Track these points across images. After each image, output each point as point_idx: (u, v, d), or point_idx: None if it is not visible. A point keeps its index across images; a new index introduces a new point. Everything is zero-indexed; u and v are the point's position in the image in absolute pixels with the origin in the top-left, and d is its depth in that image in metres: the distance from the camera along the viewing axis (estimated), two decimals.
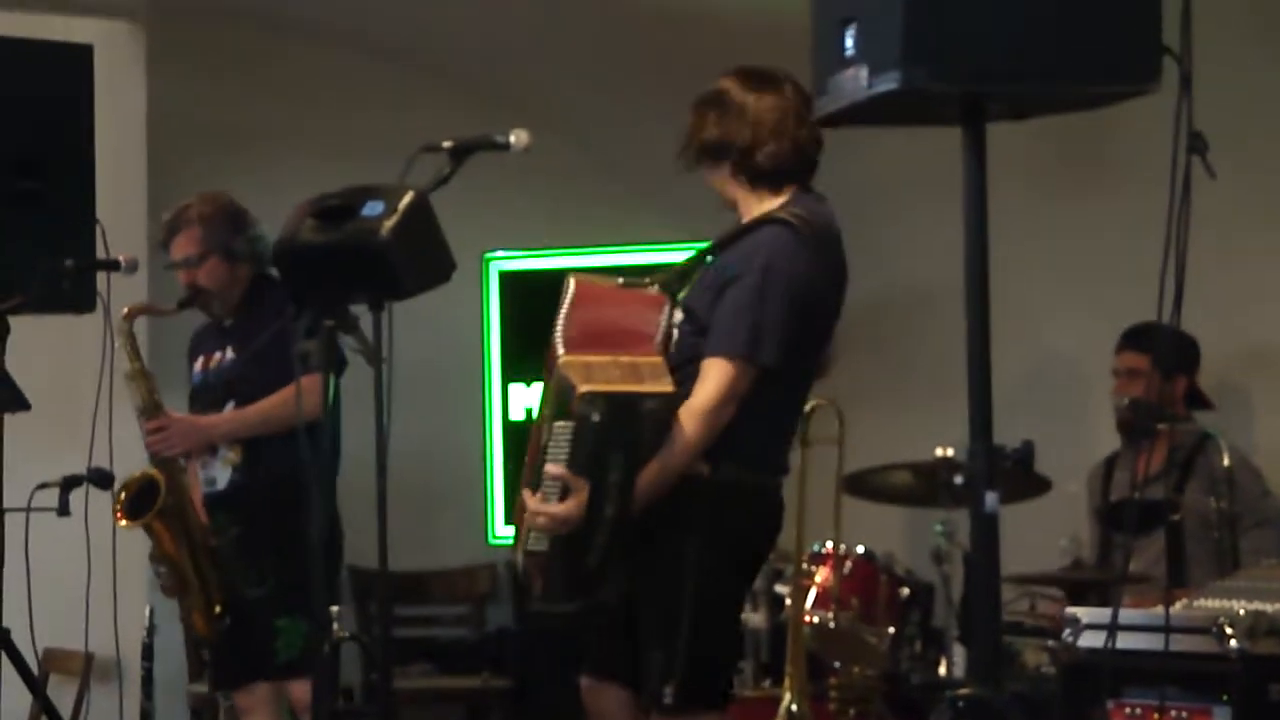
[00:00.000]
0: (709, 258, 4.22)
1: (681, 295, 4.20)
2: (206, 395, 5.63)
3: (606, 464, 3.90)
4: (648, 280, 4.24)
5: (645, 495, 3.97)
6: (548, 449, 3.93)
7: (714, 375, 4.05)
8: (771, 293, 4.06)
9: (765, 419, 4.14)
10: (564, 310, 4.06)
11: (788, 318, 4.07)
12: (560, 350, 3.95)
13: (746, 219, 4.23)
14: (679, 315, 4.16)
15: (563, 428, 3.90)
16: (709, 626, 4.08)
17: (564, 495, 3.90)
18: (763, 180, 4.23)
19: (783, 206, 4.18)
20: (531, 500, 3.95)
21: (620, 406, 3.88)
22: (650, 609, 4.09)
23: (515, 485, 4.19)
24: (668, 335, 4.12)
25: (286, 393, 5.24)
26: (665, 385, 3.95)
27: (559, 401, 3.92)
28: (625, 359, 3.96)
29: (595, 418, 3.85)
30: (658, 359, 4.01)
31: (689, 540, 4.04)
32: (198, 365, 5.71)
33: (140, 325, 5.69)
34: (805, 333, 4.15)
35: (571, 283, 4.12)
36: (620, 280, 4.23)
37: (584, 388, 3.84)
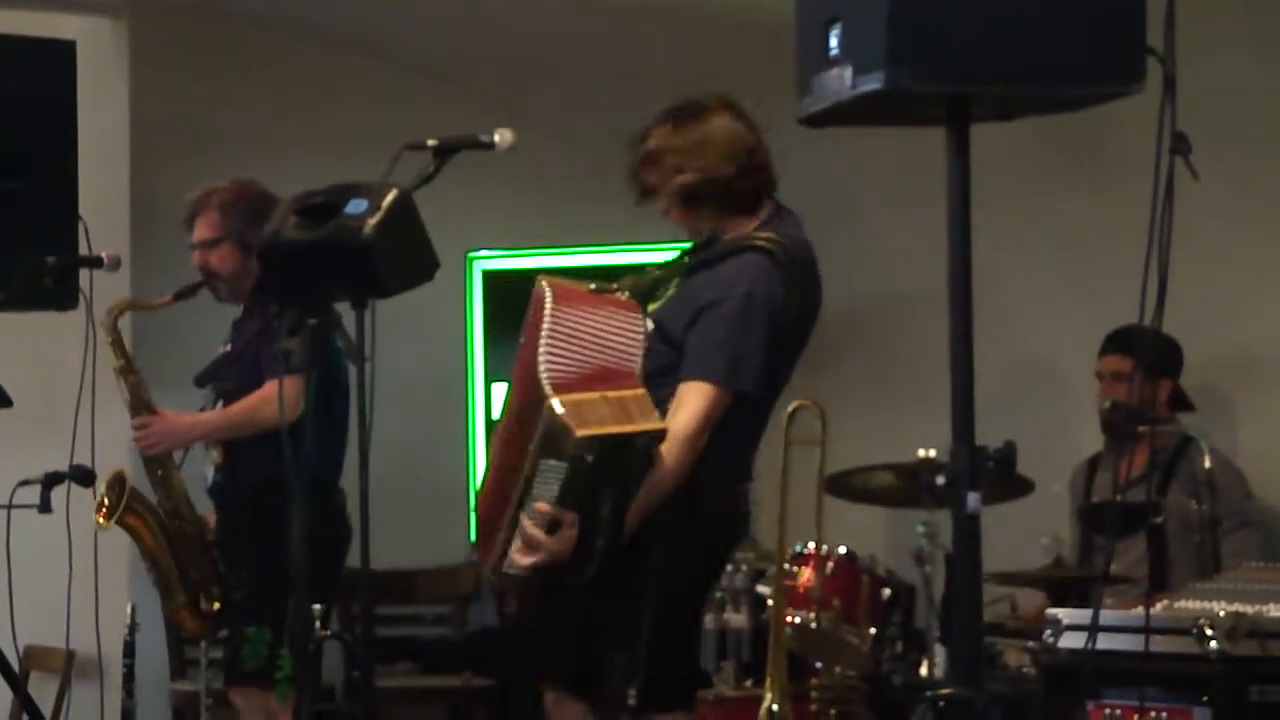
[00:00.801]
0: (681, 275, 4.23)
1: (653, 307, 4.20)
2: (211, 388, 5.62)
3: (599, 499, 3.92)
4: (615, 286, 4.24)
5: (633, 523, 4.00)
6: (534, 484, 3.92)
7: (694, 400, 4.07)
8: (752, 321, 4.09)
9: (731, 433, 4.16)
10: (545, 325, 3.99)
11: (765, 346, 4.11)
12: (548, 391, 3.90)
13: (725, 238, 4.25)
14: (649, 324, 4.17)
15: (552, 467, 3.89)
16: (671, 627, 4.10)
17: (551, 528, 3.91)
18: (741, 207, 4.25)
19: (761, 228, 4.21)
20: (527, 524, 3.93)
21: (614, 447, 3.90)
22: (614, 612, 4.09)
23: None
24: (644, 352, 4.12)
25: (266, 393, 5.23)
26: (656, 422, 3.97)
27: (548, 441, 3.89)
28: (613, 395, 3.95)
29: (589, 459, 3.85)
30: (641, 392, 4.01)
31: (654, 544, 4.05)
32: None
33: (125, 320, 5.67)
34: (778, 358, 4.19)
35: (546, 289, 4.07)
36: (592, 286, 4.22)
37: (581, 432, 3.83)
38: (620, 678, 4.04)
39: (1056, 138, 5.83)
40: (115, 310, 5.56)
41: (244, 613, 5.39)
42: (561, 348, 3.97)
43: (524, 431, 3.99)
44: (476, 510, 4.16)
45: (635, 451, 3.94)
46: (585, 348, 4.02)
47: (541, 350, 3.96)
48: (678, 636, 4.17)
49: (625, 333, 4.09)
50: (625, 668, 4.04)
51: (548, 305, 4.02)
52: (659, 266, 4.34)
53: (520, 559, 3.98)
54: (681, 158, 4.23)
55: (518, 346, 4.13)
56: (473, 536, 7.61)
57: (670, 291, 4.24)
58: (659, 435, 3.97)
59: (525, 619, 4.13)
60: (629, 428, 3.92)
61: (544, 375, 3.92)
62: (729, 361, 4.08)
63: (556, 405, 3.86)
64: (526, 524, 3.94)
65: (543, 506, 3.90)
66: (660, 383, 4.07)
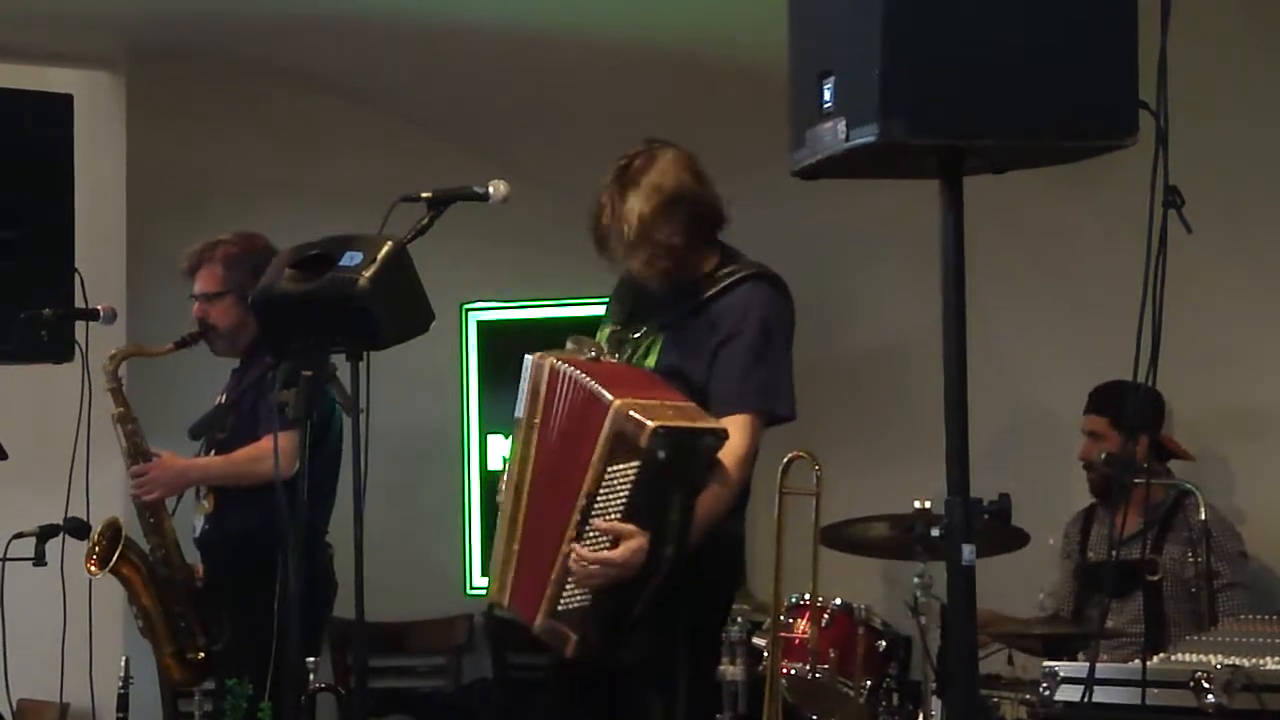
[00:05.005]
0: (665, 328, 4.21)
1: (651, 361, 4.18)
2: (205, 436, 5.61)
3: (669, 503, 3.89)
4: (590, 349, 4.21)
5: (699, 533, 3.97)
6: (597, 500, 3.89)
7: (740, 430, 4.06)
8: (773, 347, 4.12)
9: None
10: (576, 371, 4.00)
11: (789, 369, 4.14)
12: (606, 395, 3.90)
13: (682, 272, 4.22)
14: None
15: (620, 472, 3.87)
16: (703, 677, 4.11)
17: (615, 545, 3.88)
18: (707, 228, 4.24)
19: (726, 262, 4.21)
20: (583, 550, 3.90)
21: (684, 443, 3.89)
22: (647, 663, 4.07)
23: (494, 537, 4.15)
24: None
25: (262, 446, 5.22)
26: (716, 423, 3.97)
27: (617, 444, 3.87)
28: (669, 401, 3.97)
29: (662, 455, 3.83)
30: (691, 403, 4.02)
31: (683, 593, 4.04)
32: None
33: (122, 370, 5.67)
34: None
35: (547, 363, 4.07)
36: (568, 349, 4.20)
37: (655, 423, 3.82)
38: None
39: (1048, 187, 5.85)
40: (116, 358, 5.56)
41: (226, 663, 5.37)
42: (601, 374, 3.99)
43: (568, 467, 3.96)
44: (514, 568, 4.10)
45: (701, 453, 3.93)
46: (619, 373, 4.05)
47: (584, 379, 3.96)
48: (708, 686, 4.20)
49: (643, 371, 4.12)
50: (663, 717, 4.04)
51: (565, 367, 4.02)
52: (622, 328, 4.30)
53: (586, 580, 3.92)
54: (642, 193, 4.23)
55: (527, 424, 4.09)
56: (468, 588, 7.68)
57: (658, 346, 4.21)
58: (722, 435, 3.96)
59: (588, 656, 4.02)
60: (697, 424, 3.92)
61: (597, 387, 3.92)
62: (760, 389, 4.09)
63: (620, 405, 3.86)
64: (583, 553, 3.89)
65: (602, 524, 3.87)
66: None
